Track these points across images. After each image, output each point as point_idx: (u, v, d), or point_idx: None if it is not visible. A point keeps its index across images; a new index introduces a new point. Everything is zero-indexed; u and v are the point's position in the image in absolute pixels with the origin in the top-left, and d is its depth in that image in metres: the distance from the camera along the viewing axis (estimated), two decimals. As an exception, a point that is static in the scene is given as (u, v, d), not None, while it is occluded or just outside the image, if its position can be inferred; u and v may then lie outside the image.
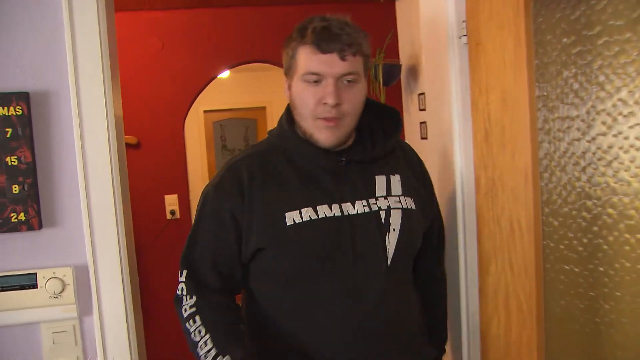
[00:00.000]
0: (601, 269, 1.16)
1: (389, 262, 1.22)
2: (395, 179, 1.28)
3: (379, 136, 1.30)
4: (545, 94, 1.22)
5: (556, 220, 1.23)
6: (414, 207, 1.28)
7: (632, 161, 1.07)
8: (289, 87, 1.26)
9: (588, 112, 1.15)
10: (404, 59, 2.96)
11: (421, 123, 2.77)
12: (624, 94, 1.08)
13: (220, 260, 1.25)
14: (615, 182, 1.11)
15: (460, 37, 1.35)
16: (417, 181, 1.34)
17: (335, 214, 1.19)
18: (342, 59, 1.16)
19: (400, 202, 1.25)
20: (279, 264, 1.20)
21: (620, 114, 1.09)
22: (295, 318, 1.22)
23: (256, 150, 1.29)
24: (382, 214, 1.22)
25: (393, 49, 3.00)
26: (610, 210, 1.13)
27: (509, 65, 1.24)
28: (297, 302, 1.21)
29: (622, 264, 1.11)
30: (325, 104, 1.17)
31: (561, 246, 1.23)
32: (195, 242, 1.27)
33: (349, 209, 1.20)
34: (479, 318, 1.41)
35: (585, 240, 1.18)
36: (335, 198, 1.21)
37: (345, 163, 1.24)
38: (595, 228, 1.16)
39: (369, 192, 1.24)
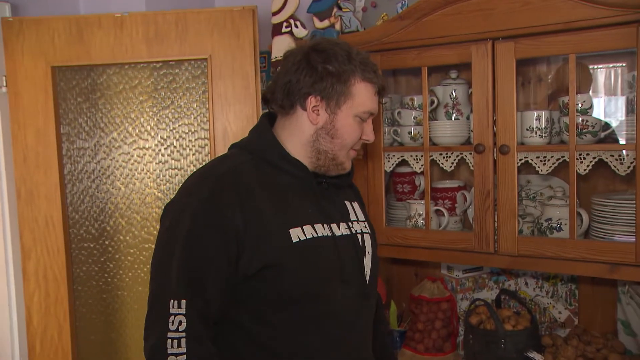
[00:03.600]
0: (107, 242, 2.12)
1: (367, 286, 1.31)
2: (356, 206, 1.41)
3: None
4: (67, 131, 2.06)
5: (77, 214, 2.09)
6: (371, 233, 1.41)
7: (121, 175, 2.10)
8: (328, 112, 1.26)
9: (95, 145, 2.09)
10: None
11: None
12: (115, 134, 2.10)
13: (217, 285, 1.16)
14: (112, 188, 2.10)
15: (1, 88, 1.96)
16: (365, 212, 1.48)
17: (328, 234, 1.25)
18: (379, 98, 1.33)
19: (366, 226, 1.39)
20: (280, 283, 1.18)
21: (113, 146, 2.09)
22: (287, 344, 1.21)
23: (241, 160, 1.26)
24: (359, 237, 1.33)
25: None
26: (110, 205, 2.11)
27: (41, 111, 1.97)
28: (291, 327, 1.21)
29: (118, 238, 2.11)
30: (363, 139, 1.32)
31: (81, 231, 2.09)
32: (195, 264, 1.15)
33: (335, 230, 1.27)
34: (23, 295, 2.01)
35: (96, 225, 2.10)
36: (326, 217, 1.27)
37: (326, 185, 1.32)
38: (102, 216, 2.10)
39: (346, 215, 1.35)
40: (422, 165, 1.87)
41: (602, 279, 1.73)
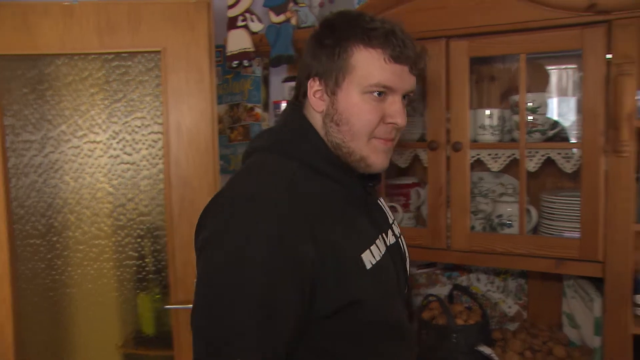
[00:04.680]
0: (55, 238, 2.04)
1: (409, 294, 1.15)
2: (384, 203, 1.24)
3: None
4: (12, 123, 1.97)
5: (23, 210, 2.01)
6: None
7: (70, 169, 2.03)
8: (329, 94, 1.04)
9: (42, 138, 2.01)
10: None
11: None
12: (64, 127, 2.03)
13: (291, 337, 0.94)
14: (61, 182, 2.03)
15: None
16: None
17: (383, 248, 1.08)
18: (412, 73, 1.04)
19: (398, 227, 1.22)
20: (363, 317, 0.99)
21: (62, 139, 2.02)
22: None
23: (291, 171, 1.01)
24: (401, 242, 1.18)
25: None
26: (58, 200, 2.04)
27: (-16, 101, 1.90)
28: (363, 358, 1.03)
29: (67, 234, 2.04)
30: (389, 123, 1.03)
31: (27, 227, 2.01)
32: (269, 317, 0.89)
33: (387, 240, 1.11)
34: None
35: (43, 221, 2.03)
36: (379, 229, 1.10)
37: (369, 189, 1.13)
38: (50, 212, 2.03)
39: (387, 220, 1.17)
40: (377, 162, 1.87)
41: (550, 273, 1.77)
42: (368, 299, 0.99)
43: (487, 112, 1.73)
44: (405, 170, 2.04)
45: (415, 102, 1.91)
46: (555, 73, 1.90)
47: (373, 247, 1.04)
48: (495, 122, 1.72)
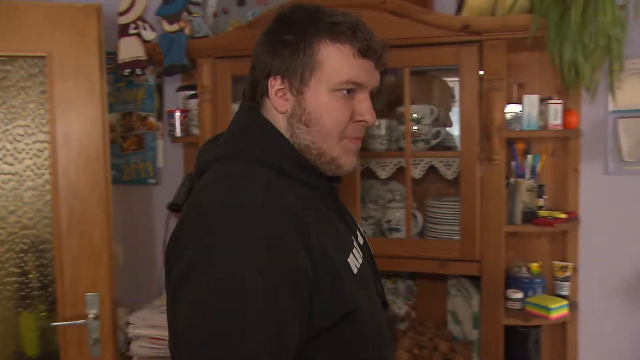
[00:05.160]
0: None
1: (382, 294, 1.09)
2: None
3: None
4: None
5: None
6: None
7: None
8: (294, 93, 0.97)
9: None
10: None
11: None
12: None
13: (297, 350, 0.86)
14: None
15: None
16: None
17: (359, 249, 1.02)
18: (377, 68, 0.99)
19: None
20: (360, 327, 0.94)
21: None
22: None
23: (267, 177, 0.92)
24: (366, 240, 1.13)
25: None
26: None
27: None
28: None
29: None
30: (359, 121, 0.98)
31: None
32: (274, 335, 0.81)
33: (359, 239, 1.06)
34: None
35: None
36: (352, 230, 1.04)
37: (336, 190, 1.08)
38: None
39: (354, 220, 1.11)
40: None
41: (435, 274, 1.89)
42: (361, 305, 0.92)
43: (376, 122, 1.81)
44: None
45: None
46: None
47: (354, 251, 0.98)
48: (383, 131, 1.82)
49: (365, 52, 0.95)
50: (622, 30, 1.49)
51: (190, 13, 1.89)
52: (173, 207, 2.12)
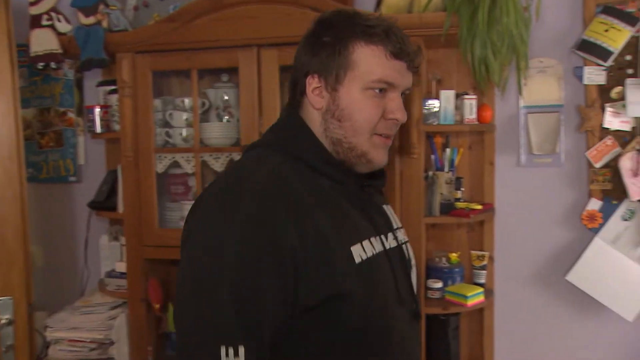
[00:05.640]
0: None
1: (417, 304, 1.10)
2: (391, 210, 1.18)
3: None
4: None
5: None
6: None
7: None
8: (329, 91, 1.02)
9: None
10: None
11: None
12: None
13: (275, 324, 0.92)
14: None
15: None
16: None
17: (382, 248, 1.05)
18: (410, 70, 1.04)
19: (404, 234, 1.17)
20: (349, 314, 0.96)
21: None
22: None
23: (278, 162, 1.00)
24: (404, 248, 1.12)
25: None
26: None
27: None
28: None
29: None
30: (390, 119, 1.03)
31: None
32: (254, 305, 0.90)
33: (385, 242, 1.06)
34: None
35: None
36: (376, 228, 1.06)
37: (369, 189, 1.10)
38: None
39: (389, 223, 1.12)
40: (193, 166, 1.88)
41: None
42: (355, 293, 0.95)
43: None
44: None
45: (231, 107, 1.96)
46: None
47: (365, 243, 1.00)
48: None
49: (398, 54, 1.01)
50: (526, 30, 1.56)
51: (107, 5, 1.84)
52: (94, 205, 2.06)
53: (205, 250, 0.92)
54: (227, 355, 0.88)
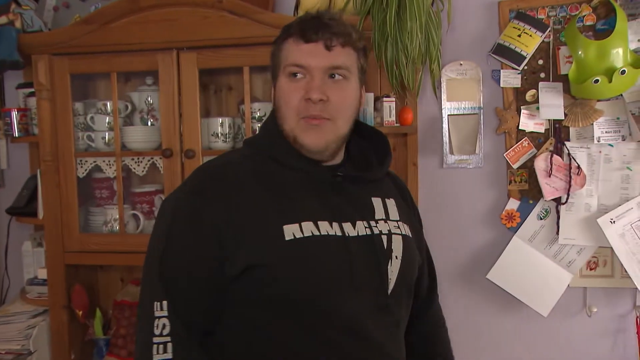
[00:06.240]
0: None
1: (388, 296, 1.11)
2: (391, 203, 1.20)
3: (372, 158, 1.21)
4: None
5: None
6: (410, 235, 1.19)
7: None
8: (274, 88, 1.16)
9: None
10: None
11: None
12: None
13: (200, 286, 1.06)
14: None
15: None
16: (409, 210, 1.27)
17: (337, 233, 1.07)
18: (329, 49, 1.08)
19: (399, 227, 1.17)
20: (271, 286, 1.04)
21: None
22: (284, 357, 1.06)
23: (238, 155, 1.18)
24: (384, 239, 1.13)
25: None
26: None
27: None
28: (289, 337, 1.05)
29: None
30: (309, 99, 1.08)
31: None
32: (173, 263, 1.05)
33: (349, 229, 1.09)
34: None
35: None
36: (335, 215, 1.09)
37: (342, 179, 1.13)
38: None
39: (369, 214, 1.15)
40: (115, 171, 1.85)
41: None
42: (276, 266, 1.03)
43: (220, 120, 1.82)
44: (153, 178, 2.04)
45: (155, 110, 1.93)
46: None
47: (307, 224, 1.05)
48: (226, 129, 1.82)
49: (307, 36, 1.08)
50: (437, 34, 1.59)
51: (20, 5, 1.78)
52: (13, 211, 2.01)
53: (157, 219, 1.13)
54: (157, 309, 1.03)
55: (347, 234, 1.08)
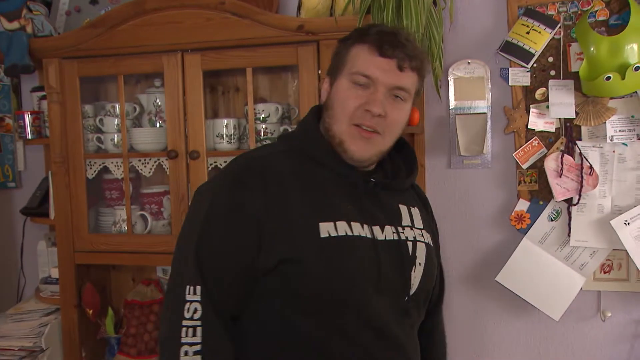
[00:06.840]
0: None
1: (408, 300, 1.15)
2: (416, 212, 1.24)
3: (402, 168, 1.27)
4: None
5: None
6: (432, 244, 1.24)
7: None
8: (330, 86, 1.17)
9: None
10: None
11: None
12: None
13: (236, 273, 1.08)
14: None
15: None
16: (431, 221, 1.32)
17: (367, 236, 1.11)
18: (401, 69, 1.11)
19: (422, 235, 1.21)
20: (303, 281, 1.06)
21: None
22: (311, 352, 1.08)
23: (277, 149, 1.19)
24: (410, 245, 1.17)
25: None
26: None
27: None
28: (316, 332, 1.08)
29: None
30: (367, 111, 1.11)
31: None
32: (210, 249, 1.07)
33: (377, 233, 1.13)
34: None
35: None
36: (367, 218, 1.13)
37: (374, 185, 1.17)
38: None
39: (396, 219, 1.18)
40: (122, 172, 1.87)
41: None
42: (309, 261, 1.05)
43: (225, 121, 1.82)
44: (162, 179, 2.06)
45: (163, 112, 1.94)
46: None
47: (341, 223, 1.08)
48: (231, 130, 1.82)
49: (383, 50, 1.10)
50: (439, 32, 1.56)
51: (31, 10, 1.82)
52: (27, 212, 2.05)
53: (193, 205, 1.16)
54: (189, 293, 1.04)
55: (376, 237, 1.12)
